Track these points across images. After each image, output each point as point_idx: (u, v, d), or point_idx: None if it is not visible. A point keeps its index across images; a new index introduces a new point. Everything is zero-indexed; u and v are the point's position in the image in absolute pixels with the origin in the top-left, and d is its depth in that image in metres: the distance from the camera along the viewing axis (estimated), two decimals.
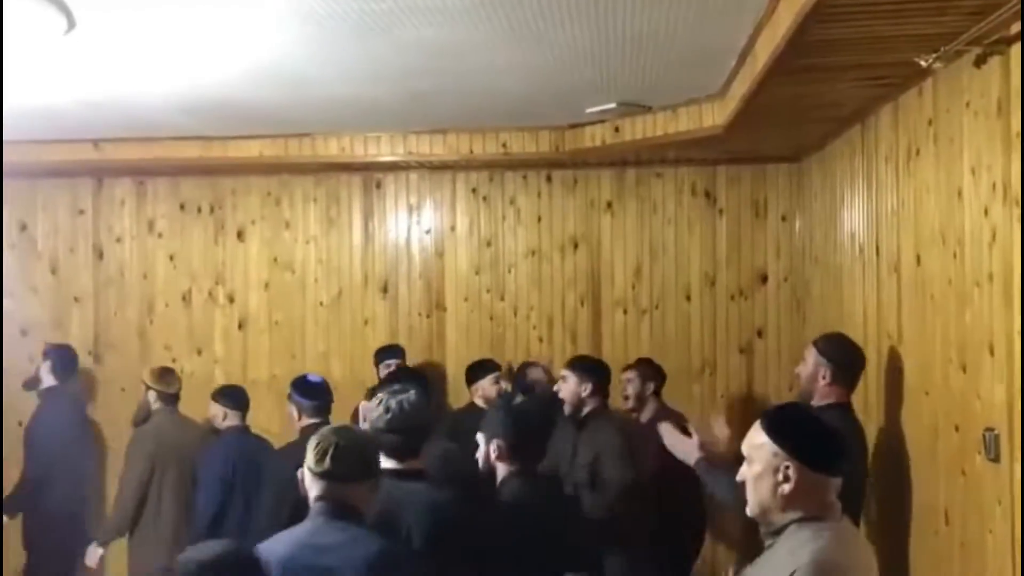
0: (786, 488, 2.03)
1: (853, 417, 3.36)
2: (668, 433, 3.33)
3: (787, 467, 2.02)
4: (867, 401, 3.77)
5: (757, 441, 2.09)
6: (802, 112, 3.84)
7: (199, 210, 5.95)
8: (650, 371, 4.70)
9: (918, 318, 3.22)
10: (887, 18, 2.43)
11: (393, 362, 5.14)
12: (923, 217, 3.16)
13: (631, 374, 4.67)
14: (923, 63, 2.71)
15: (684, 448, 3.23)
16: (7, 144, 5.15)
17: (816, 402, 3.35)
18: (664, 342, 5.49)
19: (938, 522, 3.01)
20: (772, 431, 2.07)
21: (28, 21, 2.75)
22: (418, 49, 3.29)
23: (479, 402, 4.84)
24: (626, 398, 4.61)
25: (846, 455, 2.13)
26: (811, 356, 3.40)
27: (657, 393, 4.65)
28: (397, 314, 5.81)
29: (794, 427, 2.10)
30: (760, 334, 5.52)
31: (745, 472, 2.10)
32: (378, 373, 5.14)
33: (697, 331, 5.56)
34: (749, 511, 2.11)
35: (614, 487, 3.78)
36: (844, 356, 3.40)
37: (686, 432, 3.27)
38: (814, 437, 2.09)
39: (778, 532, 2.06)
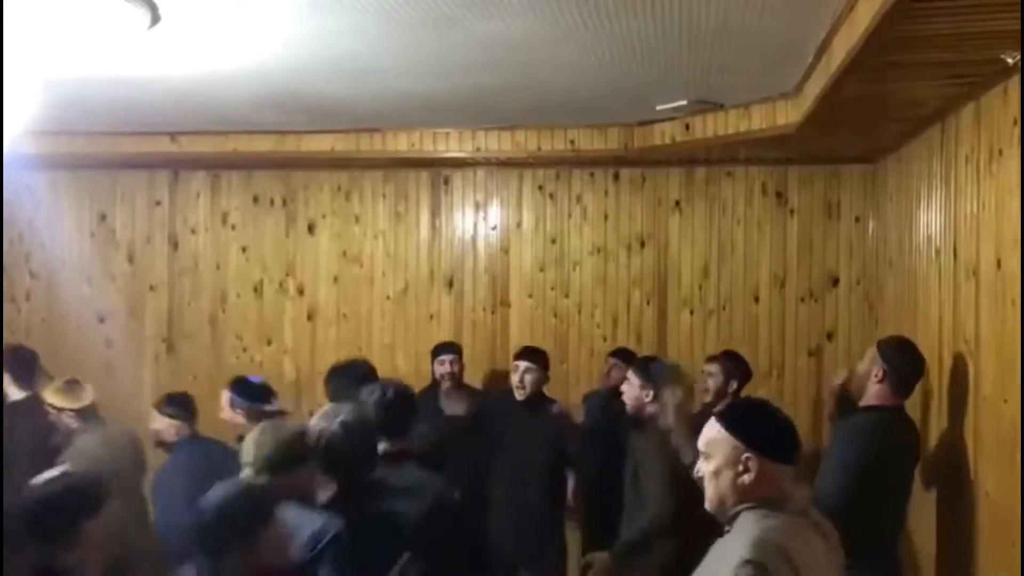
0: (746, 479, 2.10)
1: (899, 422, 3.31)
2: None
3: (747, 458, 2.10)
4: (937, 407, 3.68)
5: (714, 437, 2.16)
6: (879, 111, 3.75)
7: (272, 203, 6.06)
8: (733, 366, 4.45)
9: (997, 324, 3.12)
10: (971, 14, 2.36)
11: (448, 357, 5.08)
12: (1005, 220, 3.06)
13: (714, 367, 4.43)
14: (1009, 60, 2.63)
15: None
16: (89, 136, 5.33)
17: (864, 401, 3.31)
18: (731, 344, 5.37)
19: (1016, 533, 2.92)
20: (730, 425, 2.14)
21: (114, 16, 2.83)
22: (488, 44, 3.30)
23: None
24: (705, 391, 4.38)
25: (799, 443, 2.21)
26: (871, 354, 3.38)
27: (739, 392, 4.38)
28: (462, 309, 5.84)
29: (751, 420, 2.19)
30: (830, 337, 5.42)
31: (703, 468, 2.18)
32: (433, 370, 5.13)
33: (765, 333, 5.48)
34: (708, 505, 2.19)
35: (649, 514, 3.58)
36: (902, 361, 3.35)
37: None
38: (769, 428, 2.18)
39: (732, 520, 2.13)
